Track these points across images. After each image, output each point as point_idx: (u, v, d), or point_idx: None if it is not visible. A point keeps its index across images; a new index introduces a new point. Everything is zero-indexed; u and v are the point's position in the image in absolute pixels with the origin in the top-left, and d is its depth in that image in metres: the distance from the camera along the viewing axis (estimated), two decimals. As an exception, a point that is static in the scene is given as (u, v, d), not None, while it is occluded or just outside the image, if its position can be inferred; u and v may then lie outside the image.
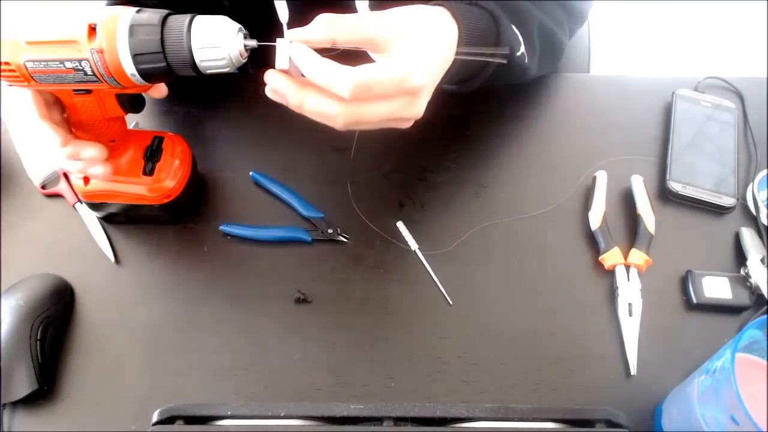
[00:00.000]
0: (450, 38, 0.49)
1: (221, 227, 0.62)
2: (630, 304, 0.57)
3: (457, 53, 0.49)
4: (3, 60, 0.47)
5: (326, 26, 0.43)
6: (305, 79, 0.44)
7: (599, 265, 0.60)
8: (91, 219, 0.64)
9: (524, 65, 0.58)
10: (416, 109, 0.46)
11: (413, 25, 0.46)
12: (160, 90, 0.52)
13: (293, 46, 0.44)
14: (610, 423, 0.45)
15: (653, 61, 1.64)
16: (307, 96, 0.44)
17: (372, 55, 0.47)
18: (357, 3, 0.49)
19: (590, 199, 0.63)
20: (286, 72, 0.45)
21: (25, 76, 0.47)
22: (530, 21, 0.58)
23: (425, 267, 0.60)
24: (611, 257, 0.59)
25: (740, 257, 0.60)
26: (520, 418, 0.46)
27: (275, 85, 0.45)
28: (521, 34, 0.56)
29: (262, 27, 0.47)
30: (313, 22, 0.44)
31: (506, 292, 0.59)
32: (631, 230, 0.62)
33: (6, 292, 0.57)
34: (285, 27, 0.45)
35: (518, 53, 0.56)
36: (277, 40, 0.44)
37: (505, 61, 0.54)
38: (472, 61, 0.52)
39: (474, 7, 0.53)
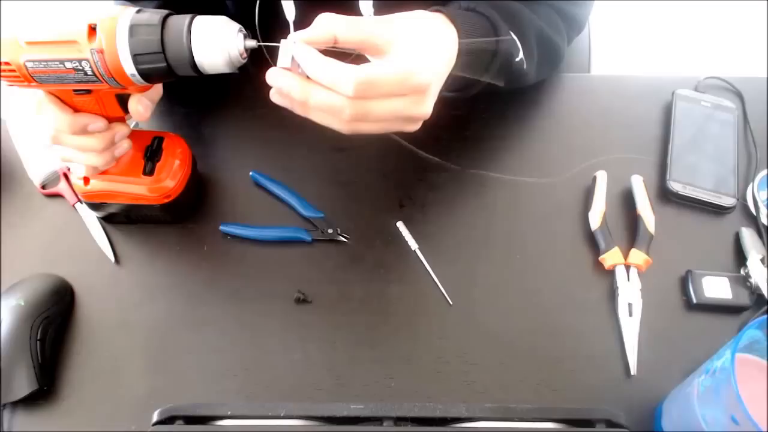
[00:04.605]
0: (450, 42, 0.49)
1: (221, 227, 0.62)
2: (630, 304, 0.57)
3: (457, 61, 0.50)
4: (3, 60, 0.47)
5: (327, 24, 0.44)
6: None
7: (599, 265, 0.60)
8: (91, 219, 0.64)
9: (523, 71, 0.59)
10: (423, 108, 0.46)
11: (413, 28, 0.47)
12: (140, 114, 0.51)
13: (297, 46, 0.44)
14: (610, 423, 0.46)
15: (653, 61, 1.63)
16: (313, 89, 0.44)
17: (370, 58, 0.47)
18: (361, 3, 0.49)
19: (590, 199, 0.63)
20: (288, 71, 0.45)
21: (25, 76, 0.47)
22: (528, 28, 0.58)
23: (425, 267, 0.60)
24: (611, 257, 0.59)
25: (740, 257, 0.60)
26: (520, 418, 0.46)
27: (279, 83, 0.45)
28: (519, 41, 0.56)
29: (265, 27, 0.47)
30: (314, 21, 0.44)
31: (506, 293, 0.59)
32: (631, 230, 0.62)
33: (6, 292, 0.57)
34: (291, 25, 0.45)
35: (517, 59, 0.56)
36: (281, 41, 0.44)
37: (502, 84, 0.54)
38: (471, 69, 0.52)
39: (472, 13, 0.54)
